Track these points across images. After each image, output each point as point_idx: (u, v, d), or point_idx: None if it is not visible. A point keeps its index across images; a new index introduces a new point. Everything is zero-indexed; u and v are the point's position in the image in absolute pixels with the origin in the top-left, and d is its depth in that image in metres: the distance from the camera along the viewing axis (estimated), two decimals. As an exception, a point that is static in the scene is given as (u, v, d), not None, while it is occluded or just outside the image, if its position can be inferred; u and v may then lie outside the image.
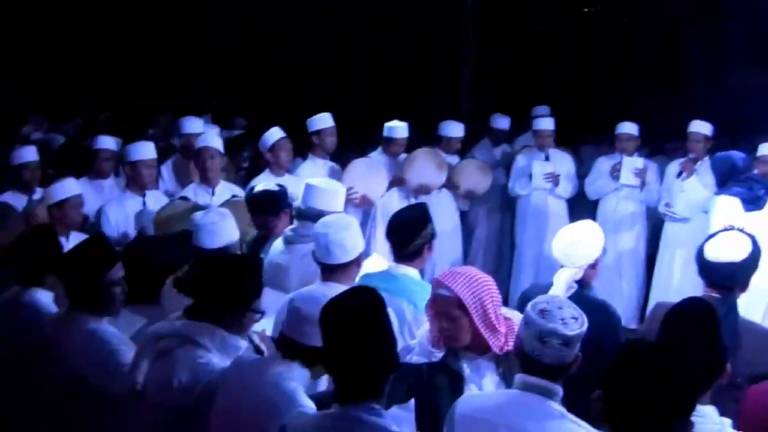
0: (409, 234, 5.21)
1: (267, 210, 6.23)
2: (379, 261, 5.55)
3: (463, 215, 10.25)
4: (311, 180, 6.01)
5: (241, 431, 3.77)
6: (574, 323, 3.51)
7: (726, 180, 8.00)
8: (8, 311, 5.10)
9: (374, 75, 15.81)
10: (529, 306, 3.60)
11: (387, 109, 11.24)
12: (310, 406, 3.67)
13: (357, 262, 5.05)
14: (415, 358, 4.36)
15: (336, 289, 4.82)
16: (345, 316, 3.36)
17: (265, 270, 5.71)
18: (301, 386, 3.77)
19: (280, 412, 3.63)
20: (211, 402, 3.91)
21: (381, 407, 3.35)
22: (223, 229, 5.42)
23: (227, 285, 4.11)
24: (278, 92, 15.92)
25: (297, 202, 5.92)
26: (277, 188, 6.33)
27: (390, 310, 4.58)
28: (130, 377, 4.16)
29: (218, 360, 4.04)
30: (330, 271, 5.00)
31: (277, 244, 5.89)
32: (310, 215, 5.68)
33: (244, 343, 4.17)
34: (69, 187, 6.86)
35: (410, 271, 5.26)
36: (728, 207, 7.76)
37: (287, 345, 3.84)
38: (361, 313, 3.36)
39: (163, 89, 16.76)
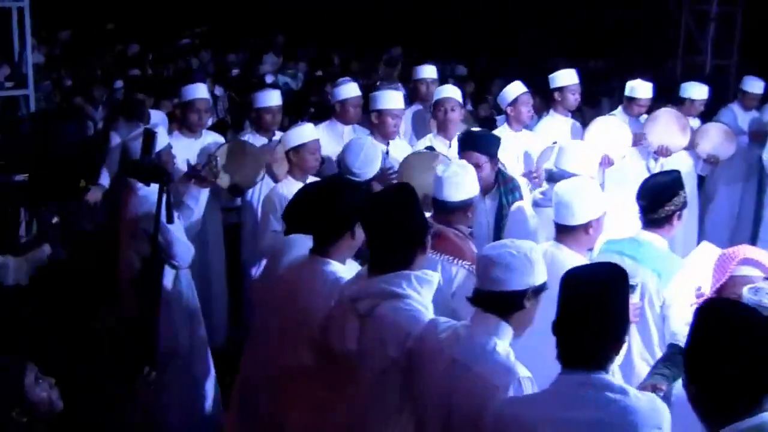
0: (659, 199, 5.09)
1: None
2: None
3: (701, 181, 9.87)
4: (565, 141, 5.89)
5: (455, 413, 3.69)
6: None
7: None
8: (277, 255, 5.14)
9: (615, 31, 15.39)
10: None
11: (626, 68, 10.95)
12: (525, 374, 3.58)
13: (586, 228, 4.92)
14: None
15: (562, 251, 4.81)
16: (584, 288, 3.27)
17: (510, 233, 5.72)
18: (510, 350, 3.68)
19: (498, 388, 3.54)
20: (418, 355, 3.88)
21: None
22: (465, 182, 5.31)
23: (396, 231, 4.07)
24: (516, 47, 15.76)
25: (548, 164, 5.82)
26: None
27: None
28: (340, 344, 4.17)
29: (419, 302, 4.01)
30: (560, 232, 4.96)
31: (525, 206, 5.79)
32: (561, 178, 5.54)
33: (435, 275, 4.12)
34: (306, 132, 6.92)
35: (658, 240, 5.12)
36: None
37: (482, 298, 3.75)
38: (600, 287, 3.26)
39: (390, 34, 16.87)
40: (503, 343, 3.68)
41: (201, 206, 6.50)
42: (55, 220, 6.68)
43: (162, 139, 6.15)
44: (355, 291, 4.15)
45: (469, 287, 4.23)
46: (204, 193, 6.51)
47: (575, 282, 3.32)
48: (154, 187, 5.27)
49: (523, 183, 6.71)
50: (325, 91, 10.91)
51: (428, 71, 9.31)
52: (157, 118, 8.31)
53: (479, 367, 3.61)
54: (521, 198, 6.17)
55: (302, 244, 4.82)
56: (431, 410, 3.79)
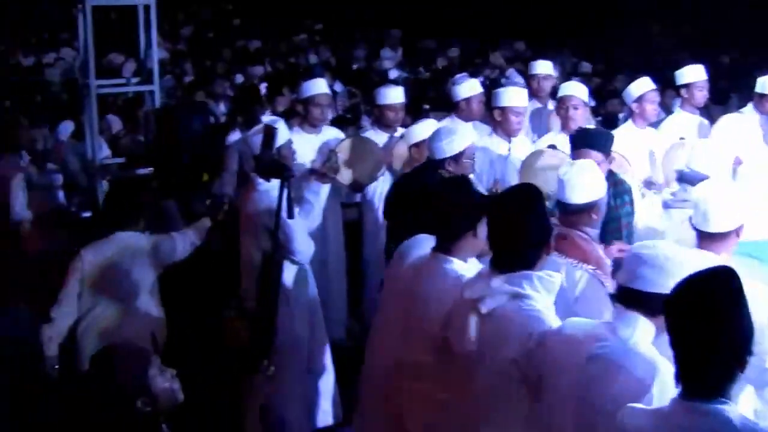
0: None
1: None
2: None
3: None
4: (701, 141, 5.71)
5: (596, 409, 3.58)
6: None
7: None
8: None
9: (745, 24, 14.92)
10: None
11: (756, 63, 10.60)
12: (670, 369, 3.43)
13: (737, 233, 4.71)
14: None
15: (708, 258, 4.59)
16: (696, 298, 3.03)
17: (638, 235, 5.57)
18: (653, 347, 3.57)
19: (642, 381, 3.45)
20: (539, 355, 3.83)
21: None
22: (588, 183, 5.09)
23: (521, 231, 4.02)
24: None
25: (678, 165, 5.66)
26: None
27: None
28: (460, 344, 4.15)
29: (543, 304, 3.96)
30: (705, 240, 4.71)
31: (652, 207, 5.63)
32: (693, 180, 5.41)
33: (558, 277, 4.07)
34: (429, 128, 6.87)
35: None
36: None
37: (628, 295, 3.66)
38: (714, 298, 3.01)
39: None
40: (646, 338, 3.60)
41: (321, 202, 6.52)
42: (208, 201, 6.83)
43: (282, 135, 6.18)
44: (476, 290, 4.13)
45: (593, 292, 4.15)
46: (324, 189, 6.53)
47: (681, 294, 3.09)
48: (275, 183, 5.30)
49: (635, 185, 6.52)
50: (445, 87, 10.84)
51: (542, 67, 9.22)
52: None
53: (622, 361, 3.54)
54: (631, 202, 5.98)
55: (426, 243, 4.82)
56: (567, 408, 3.70)
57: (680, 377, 3.05)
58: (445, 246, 4.59)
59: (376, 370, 5.03)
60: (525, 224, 4.05)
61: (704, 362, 2.99)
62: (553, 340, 3.83)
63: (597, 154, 5.80)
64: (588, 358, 3.64)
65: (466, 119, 7.96)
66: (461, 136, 6.06)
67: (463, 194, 4.69)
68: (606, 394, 3.54)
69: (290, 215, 5.21)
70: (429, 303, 4.49)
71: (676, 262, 3.60)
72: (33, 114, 10.67)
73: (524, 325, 3.91)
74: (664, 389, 3.39)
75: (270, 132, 5.45)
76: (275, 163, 5.48)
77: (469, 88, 8.11)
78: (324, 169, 6.59)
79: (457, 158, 5.99)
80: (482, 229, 4.46)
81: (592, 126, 7.00)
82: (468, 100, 8.00)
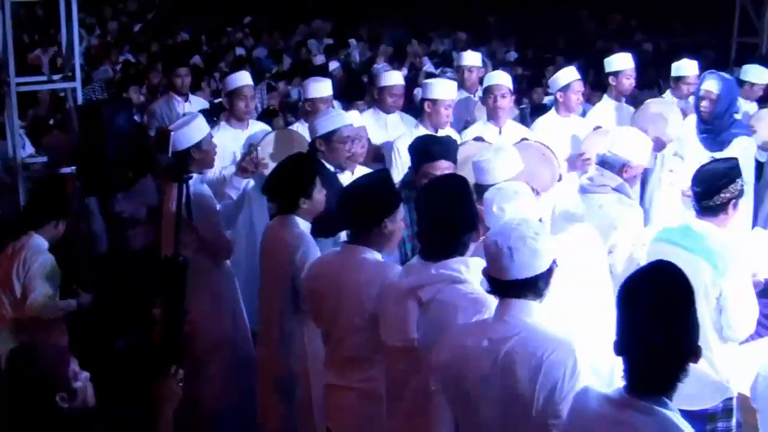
0: (714, 185, 4.98)
1: None
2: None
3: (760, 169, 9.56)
4: (621, 128, 5.77)
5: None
6: None
7: None
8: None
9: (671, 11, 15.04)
10: None
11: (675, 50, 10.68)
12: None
13: None
14: None
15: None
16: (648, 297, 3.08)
17: (555, 219, 5.59)
18: None
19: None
20: None
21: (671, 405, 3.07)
22: (498, 167, 5.18)
23: (453, 219, 4.09)
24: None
25: (600, 149, 5.71)
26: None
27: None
28: (401, 334, 4.14)
29: (477, 286, 3.96)
30: None
31: (568, 191, 5.67)
32: (614, 163, 5.47)
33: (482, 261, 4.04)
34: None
35: (712, 229, 5.00)
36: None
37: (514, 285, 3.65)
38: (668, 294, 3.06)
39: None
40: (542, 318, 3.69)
41: (246, 196, 6.49)
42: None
43: (201, 129, 6.09)
44: (413, 280, 4.15)
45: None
46: (245, 184, 6.49)
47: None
48: (196, 178, 5.28)
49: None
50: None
51: (471, 58, 9.27)
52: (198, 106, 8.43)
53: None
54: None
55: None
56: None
57: (629, 375, 3.09)
58: (358, 239, 4.60)
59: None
60: (456, 212, 4.10)
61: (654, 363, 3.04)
62: None
63: (447, 164, 5.78)
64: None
65: (385, 111, 8.02)
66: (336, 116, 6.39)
67: (379, 187, 4.67)
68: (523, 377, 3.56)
69: (188, 215, 5.23)
70: (360, 296, 4.47)
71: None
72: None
73: (468, 308, 3.93)
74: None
75: (163, 134, 5.43)
76: (171, 165, 5.50)
77: (387, 78, 8.16)
78: (245, 163, 6.53)
79: (328, 138, 6.28)
80: (392, 225, 4.53)
81: (432, 133, 6.92)
82: (384, 90, 8.04)
